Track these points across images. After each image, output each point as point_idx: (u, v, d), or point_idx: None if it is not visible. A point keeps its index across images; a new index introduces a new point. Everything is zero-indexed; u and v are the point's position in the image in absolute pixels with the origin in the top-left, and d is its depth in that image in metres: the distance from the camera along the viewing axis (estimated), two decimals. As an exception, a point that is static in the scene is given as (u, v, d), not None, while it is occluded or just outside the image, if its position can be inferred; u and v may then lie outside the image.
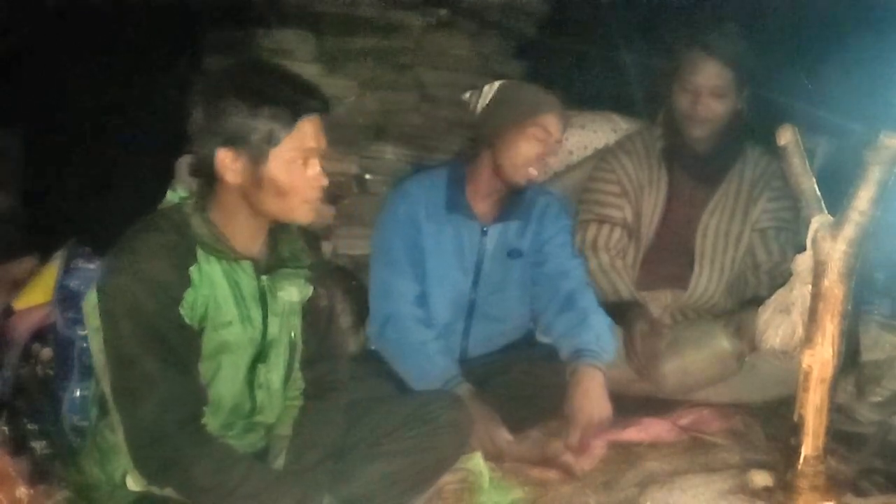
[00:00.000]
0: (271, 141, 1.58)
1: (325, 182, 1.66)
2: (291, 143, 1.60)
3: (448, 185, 2.42)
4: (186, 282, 1.59)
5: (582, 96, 3.73)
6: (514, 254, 2.46)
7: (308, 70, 3.44)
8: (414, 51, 3.64)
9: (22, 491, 1.75)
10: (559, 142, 2.37)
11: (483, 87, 2.42)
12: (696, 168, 2.70)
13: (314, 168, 1.64)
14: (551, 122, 2.31)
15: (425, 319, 2.34)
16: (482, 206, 2.42)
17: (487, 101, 2.38)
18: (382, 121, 3.56)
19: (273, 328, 1.72)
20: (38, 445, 1.86)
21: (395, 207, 2.41)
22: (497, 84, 2.40)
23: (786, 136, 1.75)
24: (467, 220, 2.41)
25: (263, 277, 1.70)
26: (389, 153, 3.48)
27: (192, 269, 1.60)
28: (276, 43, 3.39)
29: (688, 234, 2.73)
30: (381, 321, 2.34)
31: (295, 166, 1.61)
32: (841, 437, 2.25)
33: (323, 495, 1.62)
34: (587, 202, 2.78)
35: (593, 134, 3.08)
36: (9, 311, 2.14)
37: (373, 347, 2.42)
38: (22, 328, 2.03)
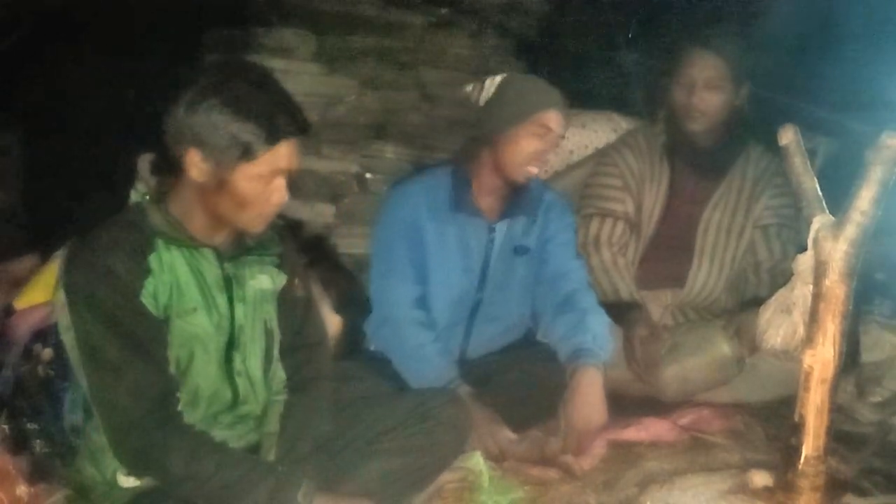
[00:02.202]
0: (244, 155, 1.58)
1: (285, 199, 1.66)
2: (264, 162, 1.60)
3: (453, 184, 2.37)
4: (144, 271, 1.61)
5: (582, 96, 3.73)
6: (520, 250, 2.43)
7: (308, 69, 3.45)
8: (414, 50, 3.64)
9: (22, 489, 1.76)
10: (561, 137, 2.33)
11: (484, 80, 2.36)
12: (697, 164, 2.71)
13: (279, 186, 1.64)
14: (552, 118, 2.26)
15: (424, 321, 2.31)
16: (487, 203, 2.39)
17: (489, 97, 2.33)
18: (383, 120, 3.56)
19: (240, 316, 1.73)
20: (38, 444, 1.87)
21: (396, 208, 2.38)
22: (498, 79, 2.34)
23: (787, 136, 1.74)
24: (473, 219, 2.37)
25: (227, 265, 1.72)
26: (390, 152, 3.49)
27: (151, 258, 1.63)
28: (276, 42, 3.39)
29: (689, 231, 2.73)
30: (379, 322, 2.33)
31: (260, 182, 1.61)
32: (841, 437, 2.25)
33: (298, 487, 1.62)
34: (589, 196, 2.79)
35: (594, 133, 3.09)
36: (9, 311, 2.13)
37: (371, 347, 2.41)
38: (22, 328, 2.02)
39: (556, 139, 2.30)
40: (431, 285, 2.36)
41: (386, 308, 2.32)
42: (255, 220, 1.67)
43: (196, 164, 1.60)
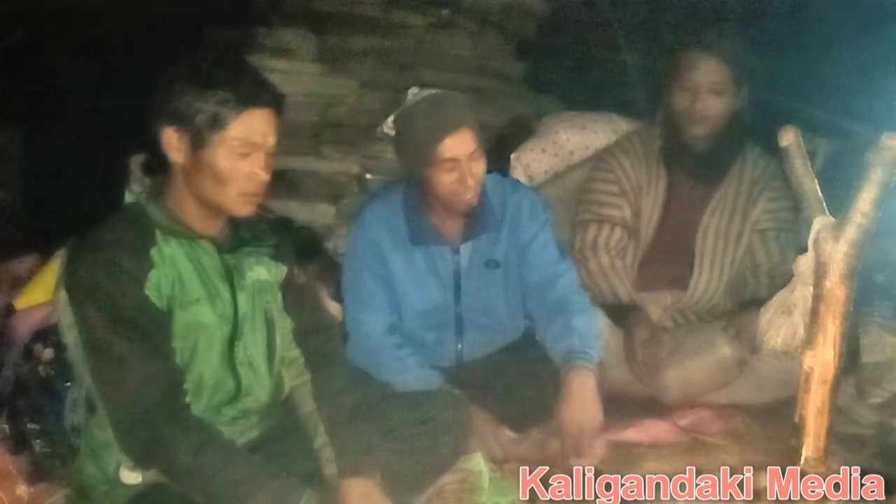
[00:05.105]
0: (215, 125, 1.61)
1: (265, 178, 1.67)
2: (235, 131, 1.61)
3: (406, 211, 2.29)
4: (147, 264, 1.63)
5: (582, 96, 3.74)
6: (491, 264, 2.36)
7: (309, 69, 3.45)
8: (415, 51, 3.65)
9: (22, 489, 1.76)
10: (475, 152, 2.16)
11: (384, 122, 2.27)
12: (695, 168, 2.69)
13: (256, 162, 1.65)
14: (451, 146, 2.11)
15: (399, 343, 2.28)
16: (448, 224, 2.31)
17: (393, 139, 2.26)
18: (383, 120, 3.56)
19: (243, 304, 1.75)
20: (39, 444, 1.87)
21: (359, 241, 2.31)
22: (390, 121, 2.25)
23: (788, 138, 1.74)
24: (436, 245, 2.31)
25: (226, 255, 1.74)
26: (390, 153, 3.47)
27: (153, 251, 1.64)
28: (277, 42, 3.40)
29: (687, 235, 2.72)
30: (356, 350, 2.27)
31: (235, 156, 1.63)
32: (841, 439, 2.25)
33: (301, 494, 1.61)
34: (586, 202, 2.77)
35: (594, 135, 3.08)
36: (9, 311, 2.14)
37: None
38: (23, 328, 2.03)
39: (469, 161, 2.14)
40: (406, 306, 2.33)
41: (362, 340, 2.28)
42: (237, 199, 1.67)
43: (174, 145, 1.64)
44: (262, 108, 1.64)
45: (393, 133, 2.25)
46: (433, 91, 2.25)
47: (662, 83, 2.69)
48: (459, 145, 2.13)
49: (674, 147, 2.69)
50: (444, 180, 2.16)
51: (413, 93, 2.25)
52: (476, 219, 2.29)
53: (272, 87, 1.68)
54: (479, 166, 2.18)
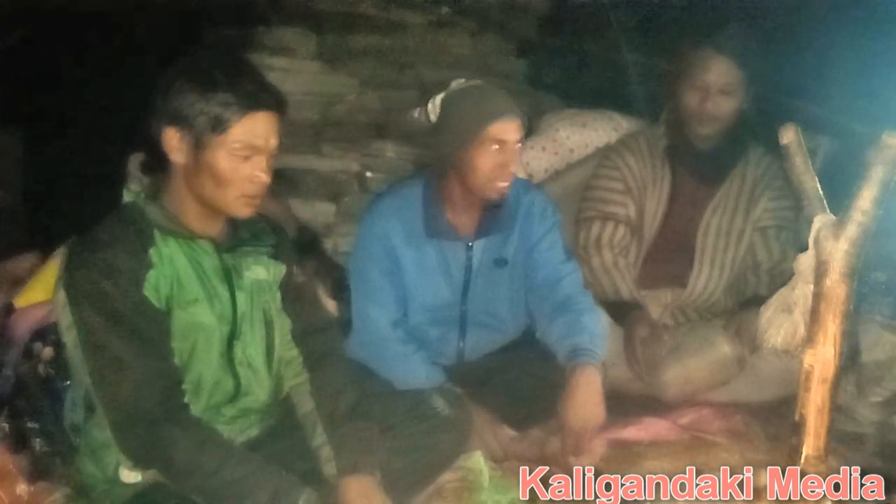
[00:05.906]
0: (216, 128, 1.60)
1: (266, 180, 1.66)
2: (237, 134, 1.61)
3: (424, 205, 2.30)
4: (146, 264, 1.63)
5: (582, 95, 3.74)
6: (500, 262, 2.37)
7: (309, 68, 3.46)
8: (415, 49, 3.65)
9: (22, 488, 1.76)
10: (518, 142, 2.19)
11: (428, 103, 2.27)
12: (698, 167, 2.70)
13: (257, 165, 1.64)
14: (502, 129, 2.14)
15: (404, 338, 2.29)
16: (463, 220, 2.32)
17: (436, 119, 2.25)
18: (383, 119, 3.57)
19: (242, 304, 1.75)
20: (39, 443, 1.87)
21: (369, 234, 2.31)
22: (439, 99, 2.24)
23: (788, 136, 1.74)
24: (450, 241, 2.32)
25: (225, 255, 1.73)
26: (390, 151, 3.50)
27: (151, 251, 1.64)
28: (277, 41, 3.40)
29: (689, 233, 2.73)
30: (360, 343, 2.28)
31: (236, 158, 1.62)
32: (841, 437, 2.25)
33: (300, 492, 1.61)
34: (591, 199, 2.78)
35: (594, 133, 3.09)
36: (9, 310, 2.14)
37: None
38: (23, 327, 2.03)
39: (514, 148, 2.18)
40: (413, 302, 2.33)
41: (366, 333, 2.29)
42: (237, 201, 1.67)
43: (174, 146, 1.63)
44: (264, 110, 1.63)
45: (435, 116, 2.24)
46: (481, 82, 2.28)
47: (666, 82, 2.70)
48: (510, 130, 2.16)
49: (679, 146, 2.70)
50: (487, 162, 2.16)
51: (458, 82, 2.26)
52: (492, 216, 2.31)
53: (274, 89, 1.67)
54: (518, 159, 2.22)
